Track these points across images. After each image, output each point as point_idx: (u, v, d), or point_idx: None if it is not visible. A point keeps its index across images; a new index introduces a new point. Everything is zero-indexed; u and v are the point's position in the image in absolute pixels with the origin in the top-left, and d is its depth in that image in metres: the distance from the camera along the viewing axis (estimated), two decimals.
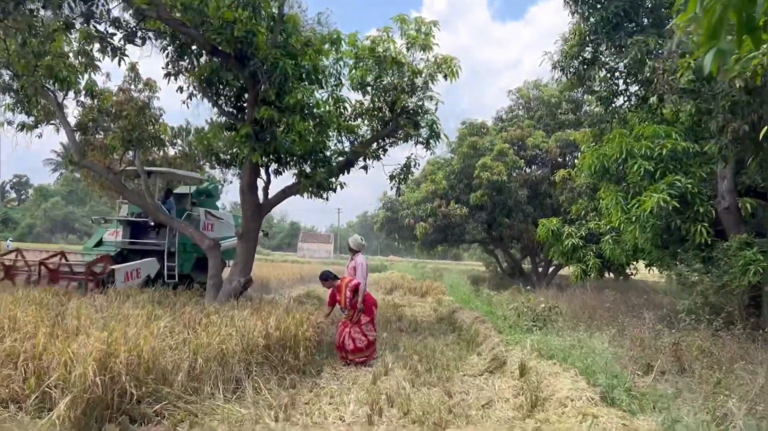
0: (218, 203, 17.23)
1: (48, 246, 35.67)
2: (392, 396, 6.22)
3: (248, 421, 5.22)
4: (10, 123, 13.77)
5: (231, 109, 11.84)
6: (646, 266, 14.80)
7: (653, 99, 10.39)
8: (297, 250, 79.66)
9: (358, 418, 5.54)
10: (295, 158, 11.44)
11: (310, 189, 11.44)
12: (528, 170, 23.88)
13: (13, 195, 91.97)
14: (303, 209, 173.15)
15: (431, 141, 12.28)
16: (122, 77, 15.34)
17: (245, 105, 11.47)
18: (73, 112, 14.13)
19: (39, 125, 13.81)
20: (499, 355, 8.04)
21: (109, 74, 14.55)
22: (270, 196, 12.22)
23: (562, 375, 6.08)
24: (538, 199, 23.30)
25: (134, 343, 5.32)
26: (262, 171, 12.15)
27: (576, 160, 23.08)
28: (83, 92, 13.34)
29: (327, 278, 8.71)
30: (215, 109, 11.83)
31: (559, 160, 23.27)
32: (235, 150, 11.54)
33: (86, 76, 12.75)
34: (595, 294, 15.29)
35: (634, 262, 14.60)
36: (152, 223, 13.70)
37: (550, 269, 25.29)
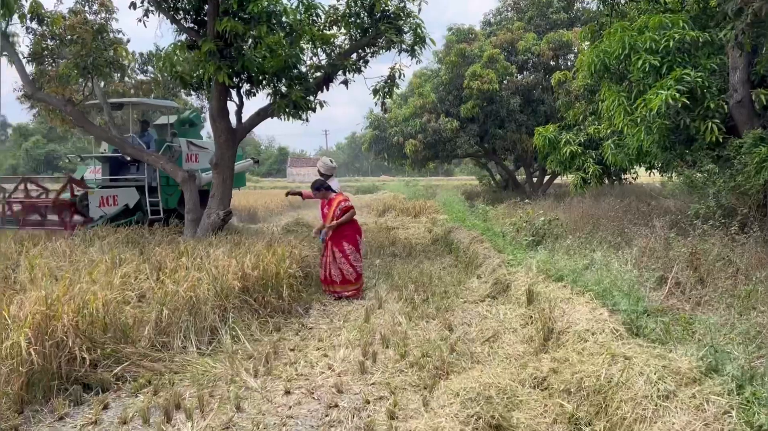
0: (202, 132, 16.28)
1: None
2: (387, 334, 5.58)
3: (222, 380, 4.55)
4: None
5: (191, 25, 10.63)
6: (646, 170, 14.14)
7: None
8: (286, 176, 78.54)
9: (349, 365, 4.89)
10: (267, 76, 10.36)
11: (286, 110, 10.44)
12: (520, 76, 22.64)
13: None
14: (291, 134, 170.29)
15: (416, 48, 11.15)
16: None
17: (207, 19, 10.26)
18: (23, 40, 12.90)
19: None
20: (501, 278, 7.39)
21: None
22: (244, 120, 11.23)
23: (576, 301, 5.41)
24: (531, 106, 22.23)
25: (83, 299, 4.57)
26: (234, 93, 11.12)
27: (570, 63, 21.91)
28: (28, 16, 12.04)
29: (320, 188, 7.82)
30: (175, 26, 10.63)
31: (551, 63, 22.02)
32: (200, 71, 10.42)
33: None
34: (594, 202, 14.65)
35: (636, 167, 13.91)
36: (129, 158, 12.84)
37: (545, 179, 24.60)
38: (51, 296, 4.37)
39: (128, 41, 17.48)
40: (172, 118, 14.34)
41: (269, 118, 11.39)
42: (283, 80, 10.57)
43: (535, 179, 25.07)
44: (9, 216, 12.07)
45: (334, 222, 7.51)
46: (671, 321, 4.96)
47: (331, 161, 9.09)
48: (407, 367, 4.80)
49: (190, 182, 11.16)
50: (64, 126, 14.13)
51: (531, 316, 5.69)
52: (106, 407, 4.10)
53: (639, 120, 9.50)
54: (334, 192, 7.82)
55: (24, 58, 12.65)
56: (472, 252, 9.63)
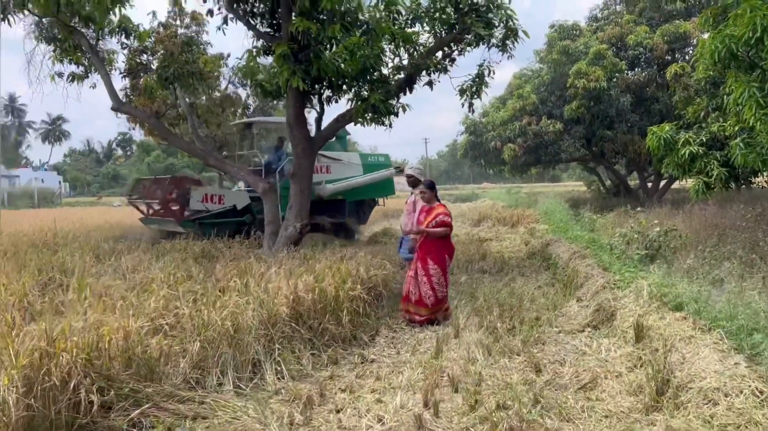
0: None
1: None
2: (457, 375, 4.62)
3: None
4: (60, 75, 13.00)
5: (267, 29, 10.22)
6: None
7: None
8: None
9: (404, 417, 3.98)
10: (347, 81, 9.73)
11: (365, 115, 9.77)
12: (630, 73, 20.73)
13: (120, 152, 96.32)
14: (392, 143, 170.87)
15: (507, 42, 10.10)
16: (166, 13, 14.06)
17: (281, 21, 9.78)
18: (118, 56, 13.17)
19: (89, 74, 12.96)
20: (605, 304, 6.19)
21: (155, 12, 13.35)
22: (322, 128, 10.66)
23: (700, 340, 4.20)
24: (644, 105, 20.26)
25: (97, 331, 4.00)
26: (315, 100, 10.61)
27: (687, 56, 19.77)
28: (117, 31, 12.21)
29: (432, 187, 6.86)
30: (250, 32, 10.26)
31: (667, 58, 19.95)
32: (277, 77, 9.94)
33: (118, 11, 11.58)
34: (719, 210, 12.81)
35: None
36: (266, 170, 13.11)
37: (661, 184, 22.39)
38: (55, 329, 3.81)
39: (228, 56, 17.59)
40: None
41: (353, 125, 10.77)
42: (364, 84, 9.91)
43: (649, 184, 22.91)
44: (151, 216, 12.90)
45: (429, 228, 6.61)
46: None
47: (419, 166, 8.56)
48: (476, 423, 3.82)
49: (270, 193, 10.75)
50: (155, 138, 14.32)
51: (640, 357, 4.53)
52: None
53: None
54: (438, 200, 6.93)
55: (120, 74, 12.94)
56: (572, 270, 8.42)
